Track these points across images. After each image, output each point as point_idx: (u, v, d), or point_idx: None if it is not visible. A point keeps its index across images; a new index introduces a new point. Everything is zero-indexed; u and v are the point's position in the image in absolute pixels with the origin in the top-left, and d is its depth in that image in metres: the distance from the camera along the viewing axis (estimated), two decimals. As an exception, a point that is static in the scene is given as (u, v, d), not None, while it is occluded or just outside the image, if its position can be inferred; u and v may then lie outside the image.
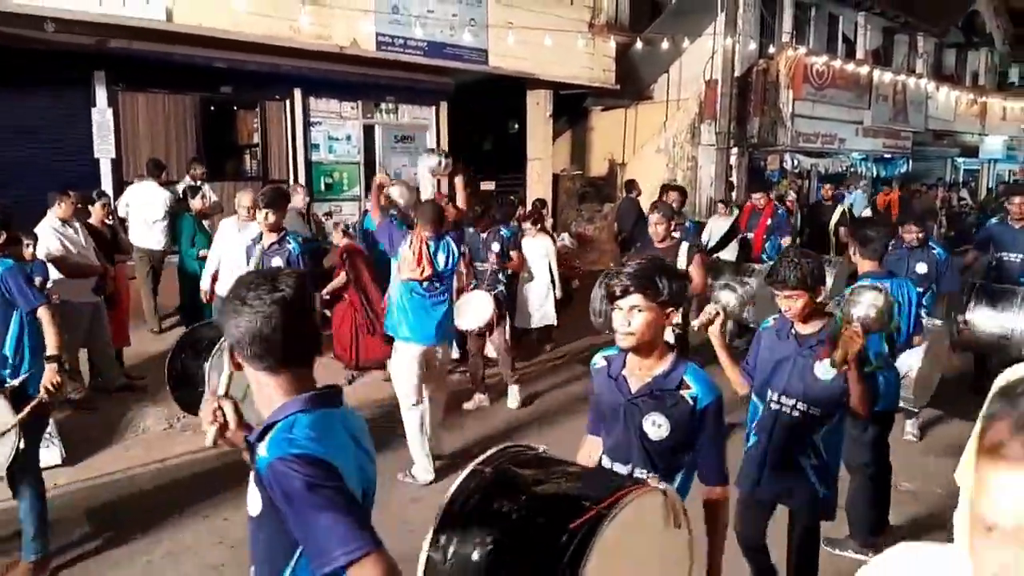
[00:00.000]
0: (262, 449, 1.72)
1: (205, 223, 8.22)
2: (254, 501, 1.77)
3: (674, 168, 15.88)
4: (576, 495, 2.15)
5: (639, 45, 14.17)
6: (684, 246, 5.99)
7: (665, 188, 9.28)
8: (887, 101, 19.52)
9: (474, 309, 6.91)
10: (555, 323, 8.60)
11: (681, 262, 5.77)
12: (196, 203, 8.26)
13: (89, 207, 7.21)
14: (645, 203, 11.79)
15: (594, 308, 6.55)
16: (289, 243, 5.33)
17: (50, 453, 5.53)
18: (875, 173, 21.34)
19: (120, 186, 9.95)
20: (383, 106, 12.94)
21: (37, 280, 6.09)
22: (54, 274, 6.45)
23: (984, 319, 6.44)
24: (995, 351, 6.63)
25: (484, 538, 2.12)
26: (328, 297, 7.41)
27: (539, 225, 8.71)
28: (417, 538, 2.20)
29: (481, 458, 2.33)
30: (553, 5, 12.86)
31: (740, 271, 7.90)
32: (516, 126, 14.70)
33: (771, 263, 7.68)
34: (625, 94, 15.30)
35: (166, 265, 8.61)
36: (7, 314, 4.12)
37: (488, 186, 14.13)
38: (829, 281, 7.85)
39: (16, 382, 4.10)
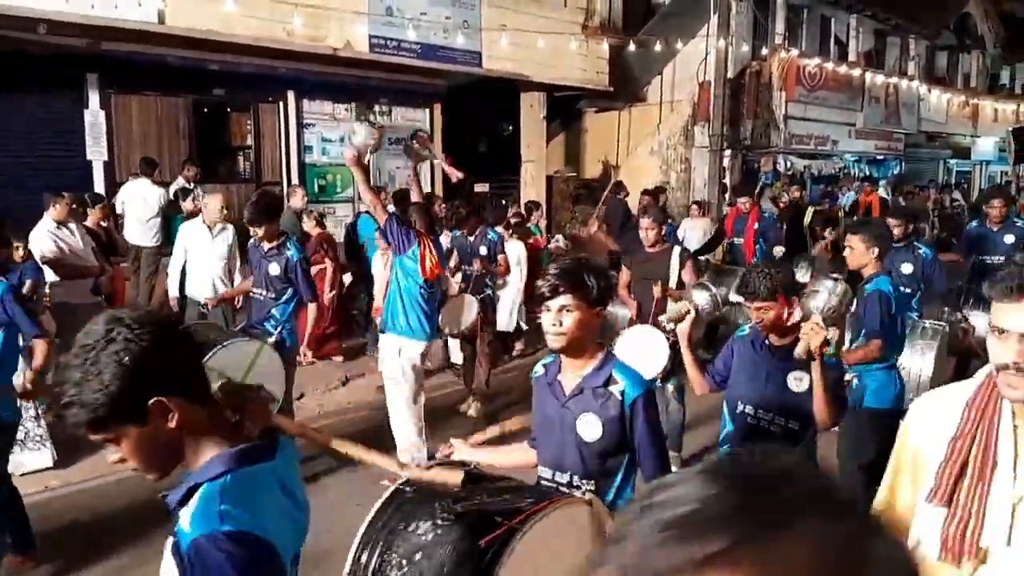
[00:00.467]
0: (184, 519, 1.48)
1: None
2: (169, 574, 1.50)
3: (667, 170, 15.91)
4: (493, 511, 2.11)
5: (632, 47, 14.20)
6: (676, 251, 5.92)
7: (646, 193, 9.28)
8: (879, 103, 19.58)
9: (460, 313, 6.87)
10: (523, 327, 8.62)
11: (674, 267, 5.73)
12: (188, 205, 8.27)
13: (87, 210, 7.23)
14: (632, 204, 11.85)
15: None
16: (288, 249, 5.28)
17: (42, 456, 5.52)
18: (868, 175, 21.41)
19: (113, 188, 9.92)
20: (377, 108, 12.92)
21: (28, 282, 6.10)
22: (51, 276, 6.45)
23: (984, 322, 6.41)
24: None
25: (400, 559, 2.11)
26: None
27: (510, 230, 8.63)
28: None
29: (406, 476, 2.30)
30: (546, 7, 12.88)
31: (722, 273, 7.93)
32: (510, 128, 14.71)
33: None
34: (619, 96, 15.32)
35: (162, 264, 8.61)
36: None
37: (482, 188, 14.14)
38: (806, 278, 7.89)
39: None
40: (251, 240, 5.51)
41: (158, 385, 1.48)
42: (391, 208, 6.36)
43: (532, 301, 8.38)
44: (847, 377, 4.27)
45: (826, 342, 3.08)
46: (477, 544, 1.99)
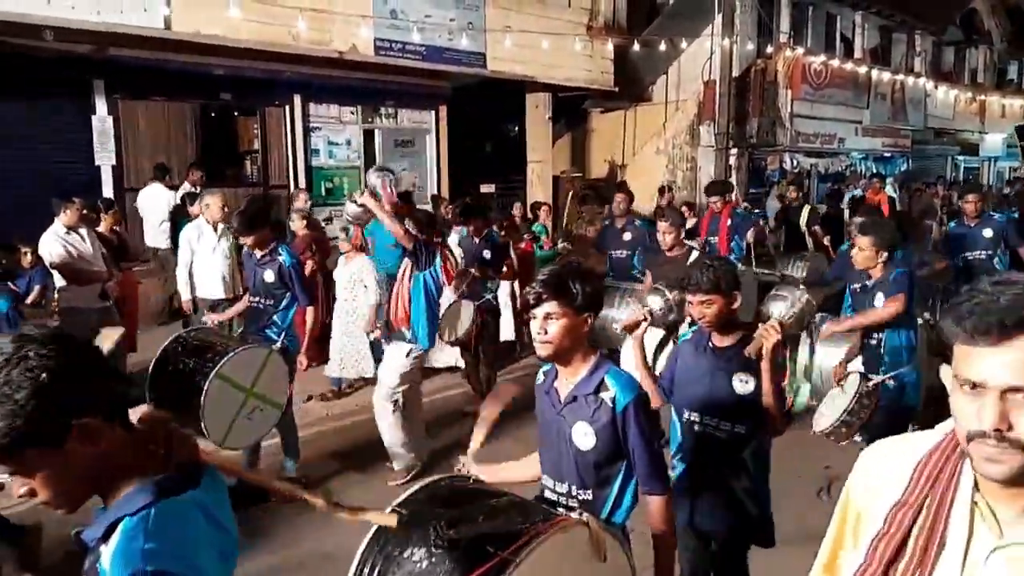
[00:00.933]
0: (105, 558, 1.37)
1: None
2: None
3: (674, 169, 15.91)
4: (487, 537, 2.05)
5: (637, 47, 14.20)
6: (694, 255, 5.79)
7: (618, 189, 9.11)
8: (886, 100, 19.54)
9: (456, 318, 6.68)
10: (513, 338, 8.43)
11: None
12: (195, 209, 8.31)
13: (100, 215, 7.29)
14: (637, 204, 11.83)
15: None
16: (280, 254, 5.23)
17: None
18: (875, 172, 21.34)
19: (121, 193, 10.00)
20: (382, 111, 12.97)
21: (36, 288, 6.15)
22: (60, 280, 6.50)
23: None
24: None
25: None
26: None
27: (503, 234, 8.18)
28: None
29: (401, 498, 2.26)
30: (550, 8, 12.90)
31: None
32: (515, 129, 14.73)
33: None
34: (624, 96, 15.33)
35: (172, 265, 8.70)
36: None
37: (488, 189, 14.17)
38: (801, 274, 7.81)
39: None
40: (244, 248, 5.55)
41: (78, 406, 1.36)
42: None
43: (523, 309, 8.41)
44: (880, 379, 4.26)
45: (781, 344, 2.99)
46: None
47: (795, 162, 18.45)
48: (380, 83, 12.02)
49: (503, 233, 8.31)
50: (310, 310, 5.38)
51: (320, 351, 7.45)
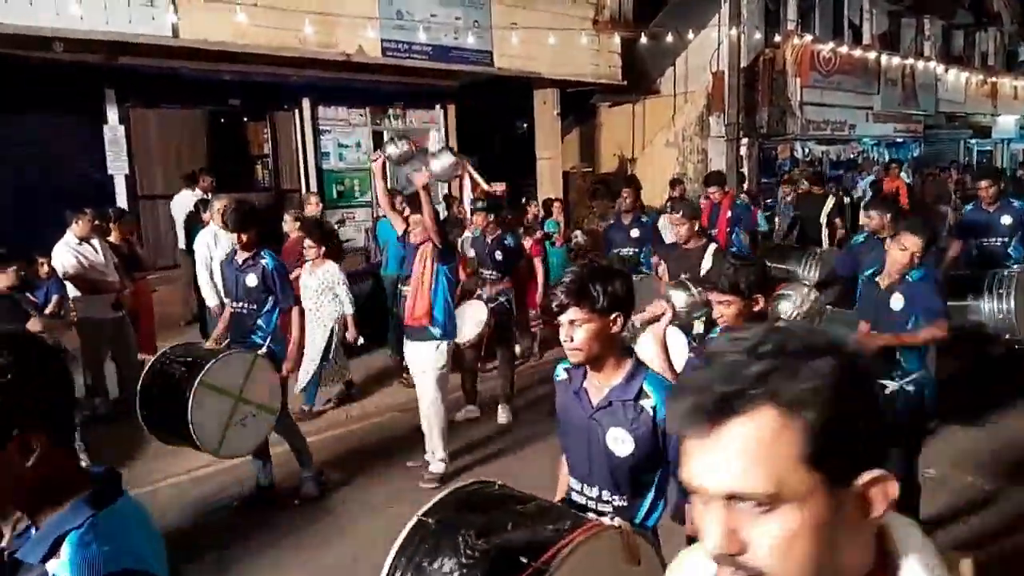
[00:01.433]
0: (60, 571, 1.34)
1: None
2: None
3: (684, 161, 15.85)
4: (518, 546, 2.01)
5: (644, 39, 14.14)
6: (712, 247, 5.67)
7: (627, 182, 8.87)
8: (896, 85, 19.38)
9: (468, 321, 6.60)
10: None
11: (707, 264, 5.45)
12: (207, 216, 8.35)
13: (110, 225, 7.32)
14: (647, 198, 11.79)
15: None
16: (263, 258, 5.16)
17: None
18: (887, 158, 21.19)
19: (135, 201, 10.05)
20: (391, 112, 12.98)
21: (54, 298, 6.19)
22: (73, 291, 6.54)
23: (960, 311, 6.06)
24: (977, 340, 6.36)
25: None
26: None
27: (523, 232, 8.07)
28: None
29: (428, 506, 2.24)
30: (556, 3, 12.86)
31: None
32: (524, 126, 14.71)
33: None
34: (632, 89, 15.27)
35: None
36: None
37: (499, 187, 14.14)
38: (814, 274, 7.51)
39: None
40: (223, 258, 5.53)
41: (20, 415, 1.32)
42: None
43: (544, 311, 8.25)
44: (896, 386, 4.00)
45: None
46: None
47: (806, 150, 18.35)
48: (388, 84, 12.03)
49: (523, 231, 8.25)
50: (295, 312, 5.31)
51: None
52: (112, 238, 7.28)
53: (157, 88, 10.04)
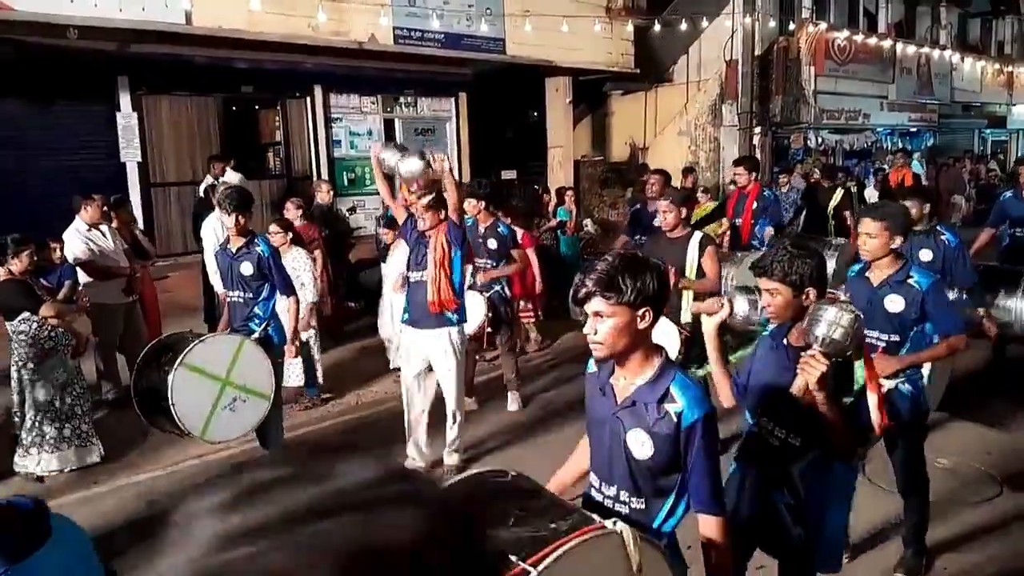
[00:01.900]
0: None
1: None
2: None
3: (696, 150, 15.79)
4: (510, 543, 1.94)
5: (657, 27, 14.07)
6: (696, 236, 5.40)
7: (654, 172, 8.28)
8: (911, 74, 19.23)
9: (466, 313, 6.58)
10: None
11: (691, 255, 5.29)
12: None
13: (111, 213, 7.32)
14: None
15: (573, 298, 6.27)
16: (258, 245, 5.04)
17: (89, 452, 5.64)
18: (900, 147, 21.04)
19: (147, 189, 10.09)
20: (403, 100, 12.97)
21: (67, 283, 6.22)
22: (84, 277, 6.57)
23: (1014, 304, 6.01)
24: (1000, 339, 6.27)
25: None
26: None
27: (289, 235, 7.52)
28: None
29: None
30: (569, -9, 12.81)
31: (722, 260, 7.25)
32: (536, 114, 14.67)
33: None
34: (645, 77, 15.21)
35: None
36: None
37: (510, 175, 14.14)
38: (831, 266, 7.31)
39: None
40: (216, 248, 5.44)
41: None
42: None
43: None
44: (893, 384, 3.79)
45: (847, 389, 2.66)
46: None
47: (820, 139, 18.23)
48: (400, 72, 12.01)
49: (538, 220, 8.09)
50: (292, 300, 5.22)
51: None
52: (114, 226, 7.28)
53: (170, 75, 10.06)
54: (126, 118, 9.91)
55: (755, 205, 7.93)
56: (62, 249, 6.56)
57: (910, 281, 3.76)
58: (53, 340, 5.49)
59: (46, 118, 9.26)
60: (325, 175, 11.54)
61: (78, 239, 6.59)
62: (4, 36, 8.19)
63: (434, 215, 5.23)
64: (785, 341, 2.83)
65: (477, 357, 7.05)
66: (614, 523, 2.03)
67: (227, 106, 11.18)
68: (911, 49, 18.99)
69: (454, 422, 5.50)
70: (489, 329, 6.76)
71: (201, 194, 9.39)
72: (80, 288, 6.38)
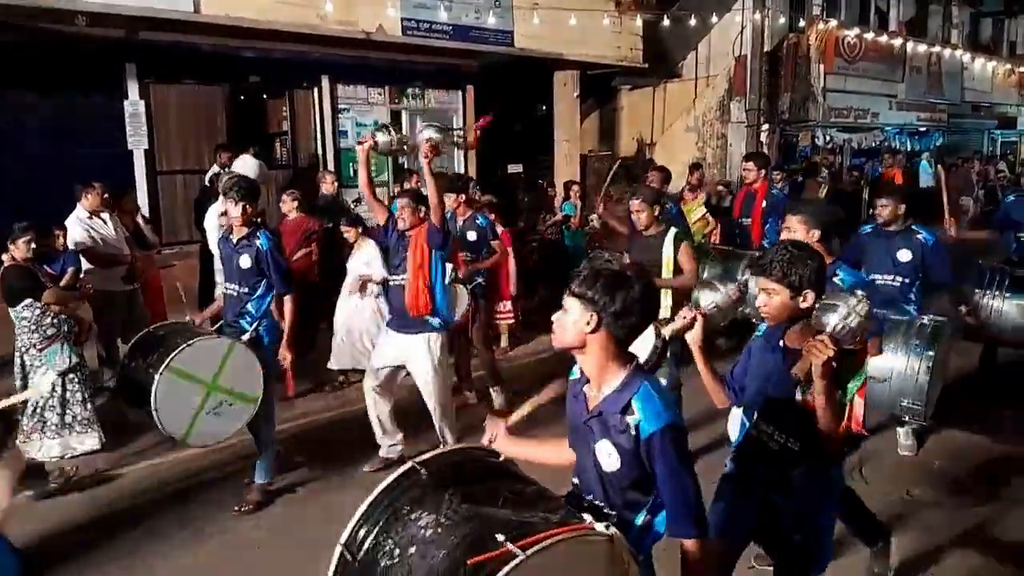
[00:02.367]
0: None
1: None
2: None
3: (704, 147, 15.74)
4: (500, 523, 1.92)
5: (666, 22, 14.00)
6: (671, 233, 5.31)
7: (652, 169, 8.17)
8: (921, 73, 19.13)
9: (451, 304, 6.25)
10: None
11: (667, 251, 5.22)
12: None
13: (113, 202, 7.32)
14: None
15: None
16: (258, 238, 4.84)
17: (89, 439, 5.65)
18: (909, 147, 20.96)
19: (154, 177, 10.09)
20: (410, 91, 12.94)
21: (70, 270, 6.23)
22: (86, 264, 6.58)
23: (1014, 307, 5.99)
24: (1015, 342, 6.28)
25: (394, 547, 1.98)
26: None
27: (361, 228, 7.28)
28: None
29: (426, 456, 2.16)
30: (578, -16, 12.76)
31: (728, 258, 7.03)
32: (544, 108, 14.64)
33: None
34: (653, 72, 15.16)
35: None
36: None
37: (516, 169, 14.11)
38: None
39: None
40: (220, 235, 5.22)
41: None
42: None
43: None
44: None
45: (841, 383, 2.61)
46: (466, 560, 1.82)
47: (828, 137, 18.17)
48: (407, 63, 11.98)
49: (544, 215, 7.98)
50: (288, 299, 4.92)
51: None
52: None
53: (178, 64, 10.05)
54: (133, 106, 9.90)
55: (764, 204, 7.67)
56: (65, 236, 6.57)
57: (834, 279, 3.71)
58: (55, 326, 5.50)
59: (53, 105, 9.25)
60: (331, 166, 11.52)
61: (79, 226, 6.60)
62: (12, 22, 8.18)
63: (413, 214, 5.11)
64: (781, 343, 2.77)
65: (473, 350, 6.95)
66: (607, 527, 1.97)
67: (234, 95, 11.16)
68: (921, 48, 18.89)
69: (443, 430, 5.38)
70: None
71: (207, 183, 9.40)
72: (82, 275, 6.39)
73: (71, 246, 6.52)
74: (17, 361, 5.59)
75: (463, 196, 6.80)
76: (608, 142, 16.74)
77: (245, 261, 4.83)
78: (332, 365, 7.20)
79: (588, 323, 2.20)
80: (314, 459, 5.62)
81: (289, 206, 7.67)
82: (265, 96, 12.14)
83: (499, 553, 1.78)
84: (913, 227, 5.33)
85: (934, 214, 7.19)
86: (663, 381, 5.13)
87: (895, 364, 4.99)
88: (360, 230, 7.22)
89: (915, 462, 5.51)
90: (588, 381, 2.34)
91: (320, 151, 11.82)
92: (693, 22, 14.00)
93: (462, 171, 13.03)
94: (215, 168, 9.43)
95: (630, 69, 14.60)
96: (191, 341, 4.50)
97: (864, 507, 3.94)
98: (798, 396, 2.61)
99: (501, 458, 2.33)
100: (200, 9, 8.96)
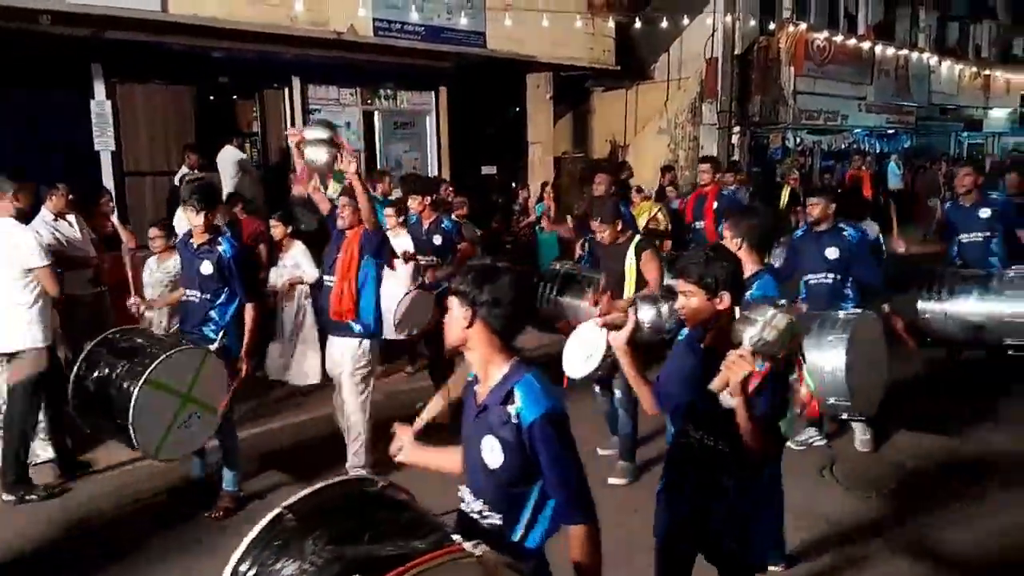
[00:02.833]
0: None
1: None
2: None
3: (676, 148, 15.82)
4: (360, 561, 1.87)
5: (638, 24, 14.06)
6: (634, 241, 5.28)
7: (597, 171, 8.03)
8: (889, 76, 19.40)
9: (417, 311, 6.22)
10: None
11: (630, 260, 5.17)
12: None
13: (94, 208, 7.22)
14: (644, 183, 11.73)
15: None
16: (220, 244, 4.75)
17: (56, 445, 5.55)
18: (878, 149, 21.23)
19: (121, 178, 9.94)
20: (382, 92, 12.86)
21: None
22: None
23: (957, 308, 6.10)
24: (967, 342, 6.38)
25: None
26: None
27: (403, 218, 7.10)
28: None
29: (294, 499, 2.12)
30: (551, -14, 12.78)
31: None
32: (517, 109, 14.64)
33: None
34: (626, 75, 15.21)
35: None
36: None
37: (490, 171, 14.09)
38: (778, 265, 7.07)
39: None
40: (180, 239, 5.09)
41: None
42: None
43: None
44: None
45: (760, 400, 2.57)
46: None
47: (798, 140, 18.35)
48: (379, 64, 11.91)
49: (516, 216, 7.91)
50: (250, 307, 4.83)
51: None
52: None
53: (145, 63, 9.91)
54: (100, 106, 9.75)
55: (716, 205, 7.92)
56: (32, 239, 6.44)
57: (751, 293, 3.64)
58: (18, 330, 5.38)
59: (17, 105, 9.08)
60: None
61: (44, 229, 6.49)
62: (-27, 20, 8.03)
63: (353, 214, 5.02)
64: (702, 345, 2.79)
65: (409, 370, 6.94)
66: (475, 545, 1.91)
67: (203, 96, 11.03)
68: (890, 51, 19.15)
69: (354, 442, 5.17)
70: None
71: (176, 184, 9.29)
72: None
73: (36, 249, 6.39)
74: (-22, 366, 5.47)
75: (428, 199, 6.73)
76: (582, 144, 16.77)
77: (206, 267, 4.73)
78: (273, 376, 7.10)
79: (465, 318, 2.23)
80: (285, 467, 5.58)
81: (237, 209, 7.55)
82: (235, 97, 12.02)
83: None
84: (840, 225, 5.42)
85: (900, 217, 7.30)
86: (617, 393, 5.16)
87: (813, 362, 4.66)
88: (288, 229, 7.03)
89: (885, 461, 5.56)
90: (479, 380, 2.33)
91: (291, 152, 11.69)
92: (665, 25, 14.08)
93: (435, 173, 13.00)
94: (184, 169, 9.33)
95: (602, 71, 14.64)
96: (170, 352, 4.37)
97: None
98: (724, 401, 2.54)
99: (379, 485, 2.24)
100: (168, 8, 8.85)
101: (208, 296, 4.77)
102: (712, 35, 14.88)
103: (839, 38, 17.37)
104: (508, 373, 2.24)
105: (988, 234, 6.49)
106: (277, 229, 7.04)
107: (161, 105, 10.48)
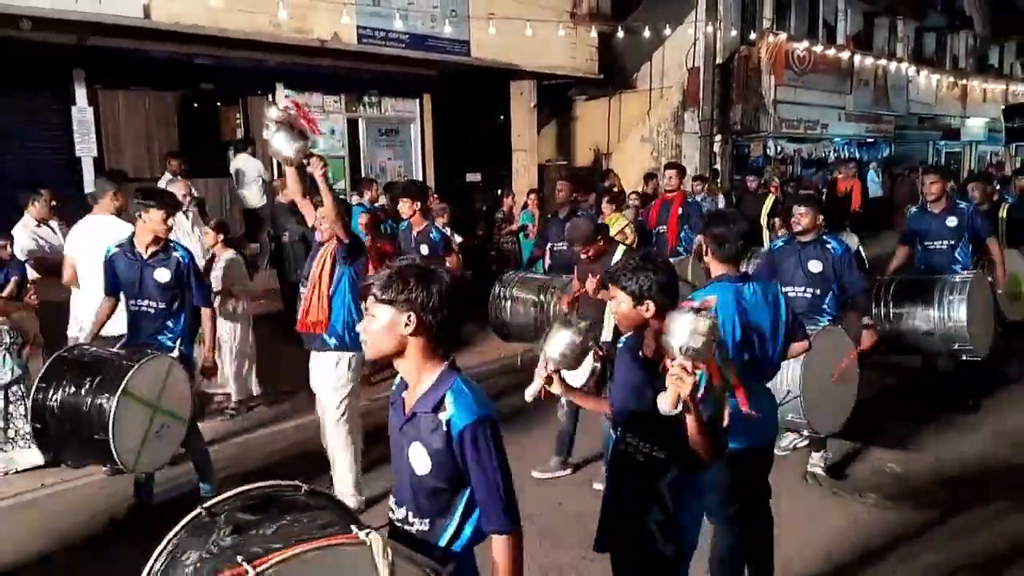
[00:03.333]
0: None
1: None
2: None
3: (658, 156, 15.91)
4: (247, 548, 1.88)
5: (621, 34, 14.17)
6: (618, 251, 5.23)
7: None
8: (869, 86, 19.61)
9: None
10: None
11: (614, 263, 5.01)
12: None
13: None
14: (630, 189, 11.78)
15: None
16: (175, 251, 4.68)
17: (33, 454, 5.50)
18: (857, 157, 21.45)
19: (102, 185, 9.88)
20: (366, 99, 12.88)
21: (13, 279, 6.07)
22: (33, 274, 6.42)
23: (905, 315, 6.11)
24: (918, 349, 6.39)
25: None
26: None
27: (380, 226, 7.03)
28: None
29: (217, 499, 2.12)
30: (534, -5, 12.84)
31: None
32: (501, 117, 14.69)
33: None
34: (608, 83, 15.32)
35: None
36: None
37: (474, 178, 14.13)
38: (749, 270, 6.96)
39: None
40: (118, 250, 4.78)
41: None
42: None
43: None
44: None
45: (711, 401, 2.55)
46: None
47: (779, 148, 18.51)
48: (364, 71, 11.94)
49: (499, 222, 7.88)
50: (207, 313, 4.83)
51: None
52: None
53: (128, 70, 9.87)
54: (82, 112, 9.70)
55: (680, 211, 7.99)
56: (12, 245, 6.40)
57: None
58: (-1, 338, 5.36)
59: (-3, 111, 9.03)
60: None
61: (26, 235, 6.46)
62: (-46, 26, 7.99)
63: (332, 226, 4.74)
64: (641, 353, 2.79)
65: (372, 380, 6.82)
66: (367, 534, 1.90)
67: (186, 102, 11.01)
68: (868, 61, 19.37)
69: (336, 463, 4.91)
70: None
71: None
72: (29, 285, 6.24)
73: (18, 255, 6.36)
74: (-42, 374, 5.43)
75: (419, 204, 6.66)
76: (565, 152, 16.85)
77: (163, 274, 4.64)
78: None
79: (407, 324, 2.14)
80: (270, 476, 5.55)
81: (211, 239, 7.44)
82: (219, 103, 11.99)
83: (232, 573, 1.77)
84: (824, 237, 5.26)
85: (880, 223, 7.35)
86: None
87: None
88: (221, 236, 6.85)
89: (869, 467, 5.61)
90: (407, 387, 2.28)
91: (275, 160, 11.68)
92: (647, 34, 14.19)
93: (420, 177, 13.01)
94: (167, 176, 9.29)
95: (586, 80, 14.73)
96: (141, 361, 4.31)
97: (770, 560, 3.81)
98: (661, 408, 2.49)
99: (303, 491, 2.24)
100: (151, 15, 8.83)
101: (163, 305, 4.67)
102: (694, 45, 15.00)
103: (819, 48, 17.56)
104: (439, 379, 2.19)
105: (953, 242, 6.44)
106: (208, 236, 6.93)
107: (144, 112, 10.45)
